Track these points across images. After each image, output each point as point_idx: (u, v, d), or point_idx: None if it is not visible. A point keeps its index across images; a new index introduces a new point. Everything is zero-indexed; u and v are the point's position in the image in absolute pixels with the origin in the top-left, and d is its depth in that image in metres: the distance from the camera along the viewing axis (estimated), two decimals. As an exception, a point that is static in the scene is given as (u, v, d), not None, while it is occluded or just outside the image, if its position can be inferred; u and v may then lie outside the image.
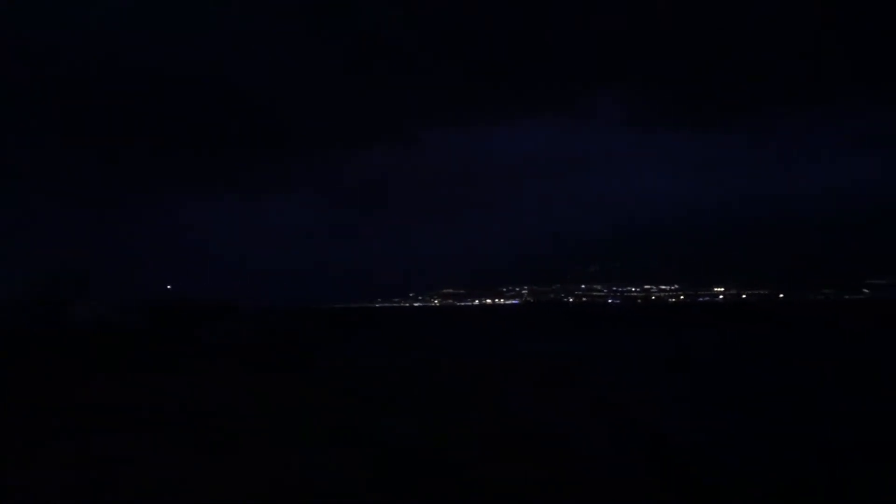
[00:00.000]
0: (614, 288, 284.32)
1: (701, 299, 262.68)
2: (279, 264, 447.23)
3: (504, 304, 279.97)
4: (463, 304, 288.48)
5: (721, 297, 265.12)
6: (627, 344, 47.12)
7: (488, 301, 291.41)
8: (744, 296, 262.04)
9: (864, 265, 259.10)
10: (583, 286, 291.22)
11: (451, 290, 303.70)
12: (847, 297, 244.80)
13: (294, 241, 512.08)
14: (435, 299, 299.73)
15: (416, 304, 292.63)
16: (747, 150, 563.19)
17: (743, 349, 41.86)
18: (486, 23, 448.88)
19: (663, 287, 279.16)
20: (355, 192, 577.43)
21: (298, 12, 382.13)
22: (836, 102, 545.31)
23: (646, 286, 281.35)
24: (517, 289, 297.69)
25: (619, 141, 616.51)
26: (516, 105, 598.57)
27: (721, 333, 58.32)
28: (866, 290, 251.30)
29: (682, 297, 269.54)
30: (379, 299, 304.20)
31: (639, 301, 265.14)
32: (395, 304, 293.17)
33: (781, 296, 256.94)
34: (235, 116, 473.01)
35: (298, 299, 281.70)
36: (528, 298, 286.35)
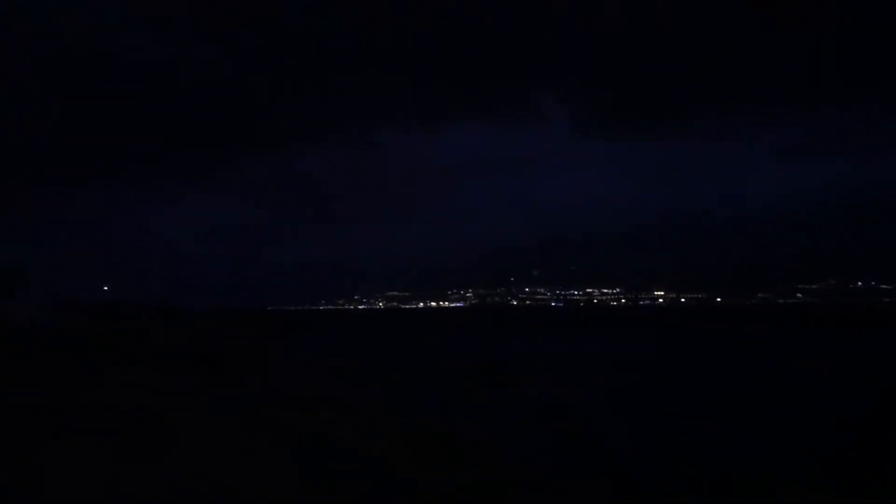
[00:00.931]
0: (558, 291, 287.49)
1: (642, 303, 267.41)
2: (222, 266, 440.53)
3: (449, 307, 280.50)
4: (408, 306, 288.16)
5: (661, 300, 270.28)
6: (569, 345, 47.68)
7: (433, 304, 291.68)
8: (683, 300, 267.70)
9: (796, 271, 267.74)
10: (527, 289, 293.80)
11: (395, 293, 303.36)
12: (781, 301, 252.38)
13: (237, 243, 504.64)
14: (380, 302, 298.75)
15: (360, 307, 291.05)
16: (686, 160, 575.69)
17: (682, 350, 42.73)
18: (430, 26, 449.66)
19: (605, 291, 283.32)
20: (300, 194, 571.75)
21: (242, 12, 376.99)
22: (765, 115, 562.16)
23: (588, 290, 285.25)
24: (462, 292, 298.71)
25: (564, 148, 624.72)
26: (462, 109, 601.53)
27: (660, 335, 59.46)
28: (799, 295, 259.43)
29: (623, 300, 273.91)
30: (323, 301, 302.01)
31: (581, 304, 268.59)
32: (339, 307, 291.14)
33: (719, 300, 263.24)
34: (180, 116, 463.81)
35: (240, 301, 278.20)
36: (474, 301, 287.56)
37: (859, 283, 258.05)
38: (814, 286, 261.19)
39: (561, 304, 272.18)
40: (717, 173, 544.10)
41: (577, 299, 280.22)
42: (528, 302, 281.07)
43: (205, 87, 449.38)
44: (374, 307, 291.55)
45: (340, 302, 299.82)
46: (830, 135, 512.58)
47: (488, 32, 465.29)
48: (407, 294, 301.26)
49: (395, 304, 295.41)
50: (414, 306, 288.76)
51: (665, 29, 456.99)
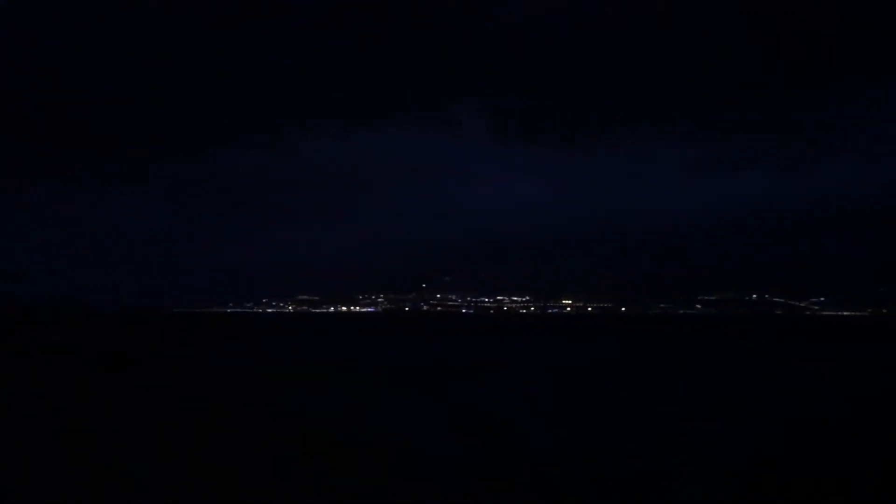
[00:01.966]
0: (469, 298, 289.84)
1: (550, 311, 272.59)
2: (129, 265, 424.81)
3: (360, 312, 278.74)
4: (318, 311, 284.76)
5: (569, 308, 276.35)
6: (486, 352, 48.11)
7: (344, 308, 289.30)
8: (589, 308, 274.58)
9: (698, 283, 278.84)
10: (438, 296, 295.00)
11: (306, 297, 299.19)
12: (682, 311, 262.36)
13: (145, 243, 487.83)
14: (289, 306, 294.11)
15: (269, 311, 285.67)
16: (600, 171, 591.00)
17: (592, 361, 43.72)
18: (347, 31, 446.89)
19: (515, 298, 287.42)
20: (212, 195, 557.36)
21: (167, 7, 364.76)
22: (677, 131, 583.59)
23: (499, 297, 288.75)
24: (373, 297, 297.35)
25: (480, 155, 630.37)
26: (377, 114, 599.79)
27: (566, 344, 60.77)
28: (699, 306, 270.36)
29: (532, 308, 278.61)
30: (231, 304, 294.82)
31: (491, 312, 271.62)
32: (247, 310, 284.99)
33: (623, 309, 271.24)
34: (95, 111, 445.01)
35: (147, 302, 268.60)
36: (388, 306, 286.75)
37: (754, 296, 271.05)
38: (713, 297, 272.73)
39: (472, 311, 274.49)
40: (628, 185, 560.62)
41: (487, 306, 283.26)
42: (438, 308, 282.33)
43: (120, 85, 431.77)
44: (284, 311, 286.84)
45: (248, 305, 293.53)
46: (738, 152, 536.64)
47: (405, 38, 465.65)
48: (317, 298, 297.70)
49: (305, 308, 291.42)
50: (324, 311, 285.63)
51: (583, 41, 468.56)
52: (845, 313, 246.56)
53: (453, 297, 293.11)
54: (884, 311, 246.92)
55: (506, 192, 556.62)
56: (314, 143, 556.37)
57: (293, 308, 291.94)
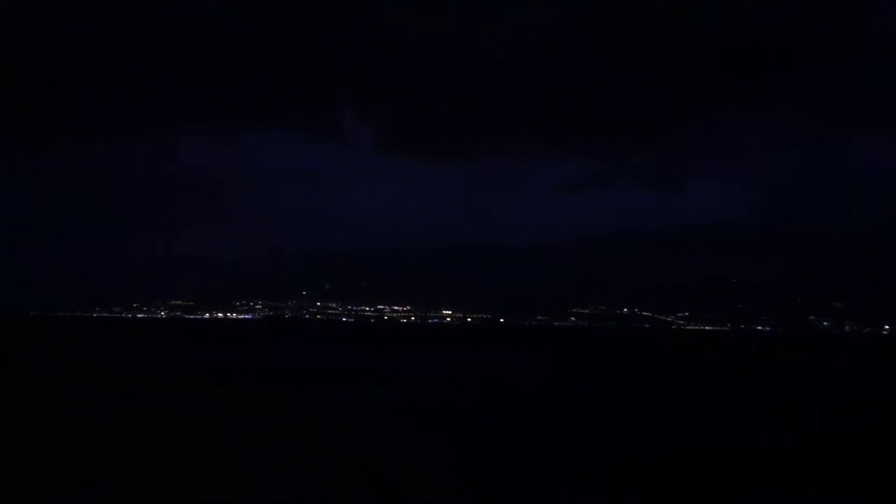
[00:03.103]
0: (349, 307, 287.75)
1: (431, 321, 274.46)
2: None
3: (237, 319, 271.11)
4: (192, 317, 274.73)
5: (448, 319, 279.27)
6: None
7: (220, 315, 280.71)
8: (469, 319, 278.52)
9: (571, 296, 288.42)
10: (318, 303, 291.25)
11: (179, 302, 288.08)
12: (556, 323, 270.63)
13: (6, 240, 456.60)
14: (161, 311, 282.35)
15: (139, 316, 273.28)
16: (484, 185, 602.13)
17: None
18: (234, 34, 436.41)
19: (396, 308, 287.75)
20: (85, 195, 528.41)
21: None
22: (552, 149, 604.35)
23: (379, 306, 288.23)
24: (251, 303, 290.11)
25: (364, 164, 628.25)
26: (262, 119, 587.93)
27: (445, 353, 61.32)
28: (573, 318, 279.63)
29: (413, 318, 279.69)
30: (97, 308, 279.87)
31: (372, 321, 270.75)
32: (115, 315, 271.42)
33: (502, 320, 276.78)
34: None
35: (4, 303, 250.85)
36: (267, 313, 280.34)
37: (625, 310, 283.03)
38: (586, 311, 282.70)
39: (352, 320, 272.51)
40: (506, 200, 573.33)
41: (368, 315, 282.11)
42: (318, 316, 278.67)
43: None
44: (155, 316, 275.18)
45: (117, 310, 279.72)
46: (610, 171, 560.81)
47: (293, 46, 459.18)
48: (192, 303, 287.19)
49: (178, 313, 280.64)
50: (199, 316, 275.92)
51: (466, 58, 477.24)
52: (707, 328, 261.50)
53: (334, 306, 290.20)
54: (742, 326, 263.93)
55: (389, 202, 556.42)
56: (195, 144, 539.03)
57: (165, 314, 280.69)
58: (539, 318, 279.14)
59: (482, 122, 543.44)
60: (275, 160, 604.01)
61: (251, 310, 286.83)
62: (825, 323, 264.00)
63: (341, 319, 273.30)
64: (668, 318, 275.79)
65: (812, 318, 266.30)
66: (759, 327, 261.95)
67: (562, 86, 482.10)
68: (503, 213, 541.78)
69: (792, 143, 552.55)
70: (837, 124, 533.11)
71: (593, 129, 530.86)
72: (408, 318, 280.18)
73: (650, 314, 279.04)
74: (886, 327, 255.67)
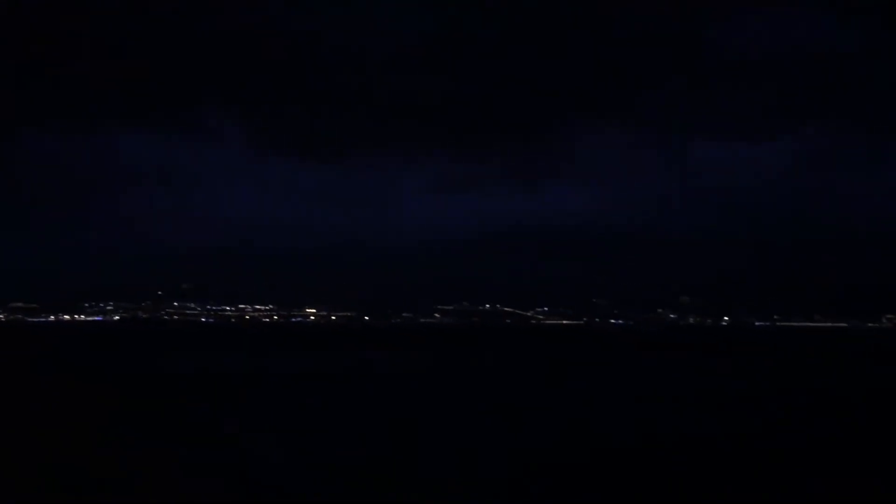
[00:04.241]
0: (209, 307, 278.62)
1: (294, 320, 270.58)
2: None
3: (86, 321, 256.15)
4: (35, 320, 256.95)
5: (313, 317, 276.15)
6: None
7: (66, 317, 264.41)
8: (333, 317, 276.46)
9: (434, 293, 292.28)
10: (176, 304, 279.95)
11: (21, 304, 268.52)
12: (422, 320, 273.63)
13: None
14: (0, 314, 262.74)
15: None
16: (350, 185, 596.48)
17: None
18: (101, 26, 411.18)
19: (259, 307, 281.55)
20: None
21: None
22: (416, 149, 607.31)
23: (241, 305, 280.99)
24: (102, 304, 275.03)
25: (232, 163, 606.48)
26: (126, 115, 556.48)
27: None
28: (437, 315, 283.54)
29: (275, 317, 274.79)
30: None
31: (233, 320, 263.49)
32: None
33: (367, 318, 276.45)
34: None
35: None
36: (122, 314, 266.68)
37: (487, 306, 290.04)
38: (450, 307, 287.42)
39: (212, 321, 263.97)
40: (379, 201, 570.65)
41: (229, 315, 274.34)
42: (175, 317, 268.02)
43: None
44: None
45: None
46: (474, 173, 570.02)
47: (163, 41, 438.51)
48: (35, 306, 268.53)
49: (19, 316, 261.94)
50: (43, 319, 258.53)
51: (339, 56, 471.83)
52: (565, 322, 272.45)
53: (192, 306, 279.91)
54: (596, 319, 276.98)
55: (258, 201, 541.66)
56: (53, 143, 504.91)
57: (5, 317, 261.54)
58: (405, 315, 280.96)
59: (351, 122, 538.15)
60: (139, 158, 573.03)
61: (102, 311, 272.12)
62: (672, 315, 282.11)
63: (200, 320, 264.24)
64: (529, 313, 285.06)
65: (660, 311, 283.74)
66: (613, 321, 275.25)
67: (435, 87, 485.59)
68: (373, 214, 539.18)
69: (649, 149, 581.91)
70: (689, 132, 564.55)
71: (465, 131, 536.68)
72: (270, 317, 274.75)
73: (511, 310, 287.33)
74: (726, 318, 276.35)
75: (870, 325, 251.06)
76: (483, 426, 17.75)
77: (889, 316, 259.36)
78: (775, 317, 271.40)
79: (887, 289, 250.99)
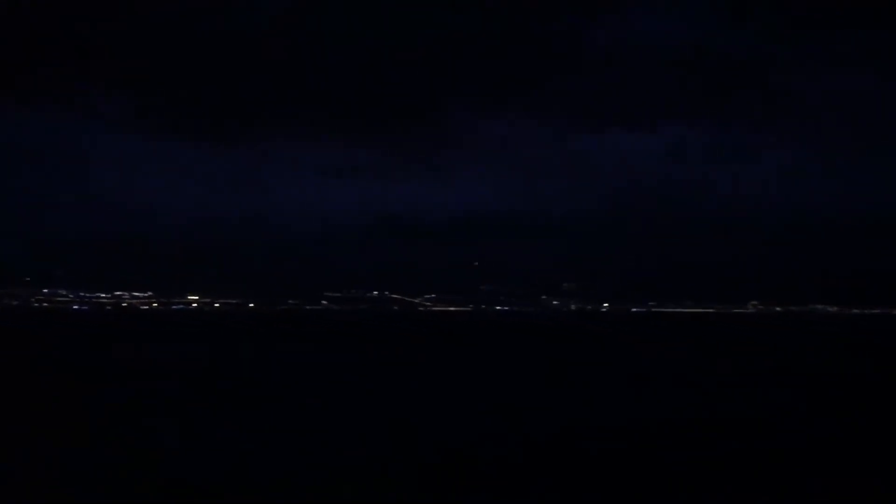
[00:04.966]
0: (82, 294, 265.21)
1: (175, 307, 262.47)
2: None
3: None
4: None
5: (195, 305, 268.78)
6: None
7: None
8: (216, 304, 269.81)
9: (321, 280, 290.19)
10: (45, 290, 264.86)
11: None
12: (308, 307, 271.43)
13: None
14: None
15: None
16: (243, 170, 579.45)
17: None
18: None
19: (136, 294, 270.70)
20: None
21: None
22: (309, 134, 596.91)
23: (117, 293, 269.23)
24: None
25: (116, 144, 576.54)
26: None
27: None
28: (325, 302, 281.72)
29: (155, 304, 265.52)
30: None
31: (108, 308, 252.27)
32: None
33: (252, 305, 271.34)
34: None
35: None
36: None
37: (375, 293, 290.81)
38: (338, 294, 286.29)
39: (86, 308, 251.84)
40: (271, 186, 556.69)
41: (104, 302, 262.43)
42: (45, 304, 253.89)
43: None
44: None
45: None
46: (377, 159, 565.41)
47: (51, 19, 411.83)
48: None
49: None
50: None
51: (240, 39, 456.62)
52: (452, 308, 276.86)
53: (63, 293, 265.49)
54: (483, 306, 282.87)
55: (136, 185, 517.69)
56: None
57: None
58: (291, 301, 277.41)
59: (250, 105, 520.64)
60: (12, 140, 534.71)
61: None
62: (555, 302, 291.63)
63: (72, 308, 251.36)
64: (416, 300, 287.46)
65: (544, 297, 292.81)
66: (498, 307, 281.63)
67: (334, 71, 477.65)
68: (260, 200, 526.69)
69: (549, 138, 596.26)
70: (591, 122, 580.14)
71: (362, 115, 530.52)
72: (149, 304, 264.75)
73: (399, 296, 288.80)
74: (605, 305, 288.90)
75: (735, 310, 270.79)
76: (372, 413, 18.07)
77: (754, 302, 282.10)
78: (650, 303, 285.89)
79: (754, 276, 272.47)
